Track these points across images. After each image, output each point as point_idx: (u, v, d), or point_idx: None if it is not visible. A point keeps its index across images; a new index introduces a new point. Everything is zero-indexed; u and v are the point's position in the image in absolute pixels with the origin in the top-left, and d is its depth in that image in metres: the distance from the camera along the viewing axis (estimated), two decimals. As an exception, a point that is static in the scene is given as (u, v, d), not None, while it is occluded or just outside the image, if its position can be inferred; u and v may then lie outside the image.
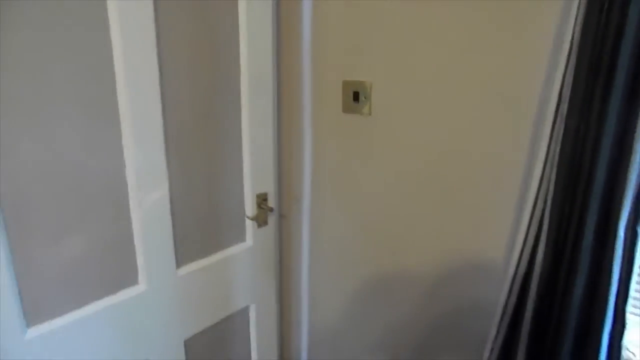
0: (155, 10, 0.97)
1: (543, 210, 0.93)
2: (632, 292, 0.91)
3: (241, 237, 1.35)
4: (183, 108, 1.10)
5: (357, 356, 1.49)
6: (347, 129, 1.30)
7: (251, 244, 1.37)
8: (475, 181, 1.12)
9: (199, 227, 1.21)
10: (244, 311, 1.42)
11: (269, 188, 1.38)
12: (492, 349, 1.06)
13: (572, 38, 0.84)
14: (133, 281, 1.08)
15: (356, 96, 1.26)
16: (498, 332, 1.05)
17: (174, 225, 1.13)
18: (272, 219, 1.42)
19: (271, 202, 1.39)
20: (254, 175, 1.31)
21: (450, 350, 1.27)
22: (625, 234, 0.85)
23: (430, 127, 1.16)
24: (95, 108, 0.92)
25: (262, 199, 1.35)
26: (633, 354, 1.04)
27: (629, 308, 0.91)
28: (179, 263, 1.18)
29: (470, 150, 1.10)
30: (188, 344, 1.26)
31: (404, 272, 1.30)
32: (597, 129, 0.82)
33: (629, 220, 0.85)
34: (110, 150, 0.97)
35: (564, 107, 0.88)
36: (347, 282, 1.43)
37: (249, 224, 1.35)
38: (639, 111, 0.78)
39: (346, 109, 1.29)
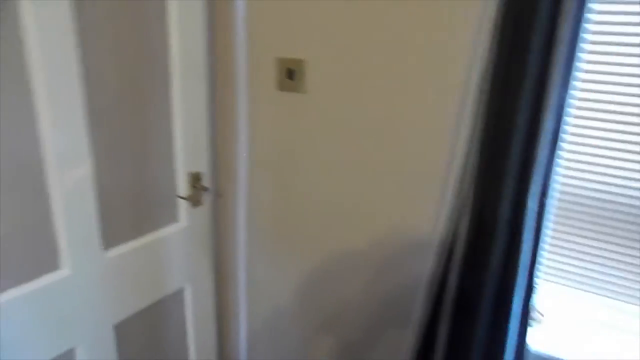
0: (71, -27, 0.90)
1: (467, 183, 0.99)
2: (541, 260, 1.00)
3: (174, 218, 1.31)
4: (107, 83, 1.03)
5: (301, 339, 1.51)
6: (282, 106, 1.29)
7: (185, 224, 1.34)
8: (408, 157, 1.16)
9: (128, 208, 1.16)
10: (179, 293, 1.39)
11: (203, 167, 1.34)
12: (421, 315, 1.12)
13: (494, 21, 0.89)
14: (54, 266, 1.02)
15: (291, 74, 1.25)
16: (426, 299, 1.11)
17: (99, 206, 1.07)
18: (208, 199, 1.39)
19: (206, 182, 1.36)
20: (187, 154, 1.28)
21: (398, 325, 1.31)
22: (537, 205, 0.93)
23: (363, 105, 1.18)
24: (2, 81, 0.84)
25: (195, 179, 1.32)
26: (541, 314, 1.15)
27: (538, 274, 1.00)
28: (108, 245, 1.13)
29: (402, 126, 1.14)
30: (119, 329, 1.21)
31: (345, 251, 1.33)
32: (513, 107, 0.88)
33: (541, 193, 0.93)
34: (22, 127, 0.89)
35: (486, 85, 0.93)
36: (287, 263, 1.45)
37: (183, 204, 1.31)
38: (548, 91, 0.85)
39: (281, 87, 1.28)
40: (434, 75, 1.06)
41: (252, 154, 1.39)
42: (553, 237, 1.12)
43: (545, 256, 1.14)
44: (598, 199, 1.07)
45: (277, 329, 1.55)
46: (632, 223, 1.05)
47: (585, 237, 1.11)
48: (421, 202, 1.16)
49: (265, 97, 1.31)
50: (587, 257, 1.11)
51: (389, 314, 1.31)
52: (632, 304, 1.11)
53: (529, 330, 1.04)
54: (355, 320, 1.37)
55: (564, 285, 1.16)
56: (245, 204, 1.45)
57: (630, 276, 1.09)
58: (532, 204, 0.92)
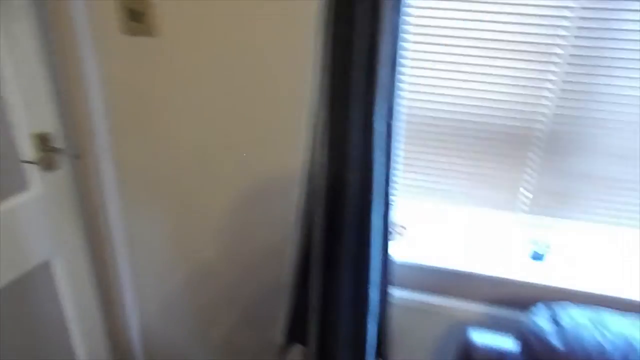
0: None
1: (322, 115, 1.02)
2: (396, 177, 1.09)
3: (23, 185, 1.17)
4: None
5: (194, 295, 1.50)
6: (134, 52, 1.19)
7: (40, 191, 1.21)
8: (271, 95, 1.15)
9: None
10: (44, 267, 1.28)
11: (51, 126, 1.21)
12: (297, 242, 1.17)
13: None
14: None
15: (136, 15, 1.15)
16: (300, 229, 1.16)
17: None
18: (65, 162, 1.27)
19: (58, 142, 1.23)
20: (26, 112, 1.13)
21: (281, 259, 1.35)
22: (385, 127, 1.00)
23: (220, 47, 1.13)
24: None
25: (43, 140, 1.19)
26: (403, 228, 1.28)
27: (394, 191, 1.09)
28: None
29: (261, 64, 1.13)
30: (-26, 314, 1.09)
31: (222, 197, 1.32)
32: (351, 33, 0.91)
33: (388, 116, 1.00)
34: None
35: (328, 16, 0.94)
36: (167, 217, 1.39)
37: (33, 170, 1.18)
38: (381, 16, 0.89)
39: (128, 30, 1.17)
40: (285, 10, 1.05)
41: (109, 106, 1.28)
42: (406, 157, 1.23)
43: (401, 175, 1.25)
44: (442, 118, 1.18)
45: (169, 289, 1.52)
46: (473, 137, 1.19)
47: (436, 153, 1.23)
48: (287, 139, 1.19)
49: (112, 43, 1.19)
50: (438, 172, 1.24)
51: (271, 253, 1.35)
52: (480, 207, 1.27)
53: (392, 243, 1.16)
54: (239, 262, 1.40)
55: (422, 199, 1.29)
56: (111, 162, 1.35)
57: (475, 184, 1.25)
58: (379, 127, 0.98)
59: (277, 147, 1.20)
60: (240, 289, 1.44)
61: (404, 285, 1.25)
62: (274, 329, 1.44)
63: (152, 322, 1.59)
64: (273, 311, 1.42)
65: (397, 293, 1.24)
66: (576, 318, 0.91)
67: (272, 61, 1.11)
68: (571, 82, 1.10)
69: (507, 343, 1.04)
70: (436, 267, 1.22)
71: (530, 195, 1.24)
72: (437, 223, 1.31)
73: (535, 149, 1.18)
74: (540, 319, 0.94)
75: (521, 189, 1.23)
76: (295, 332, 1.25)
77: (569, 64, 1.08)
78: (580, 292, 1.12)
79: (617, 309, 1.00)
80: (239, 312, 1.48)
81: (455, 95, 1.16)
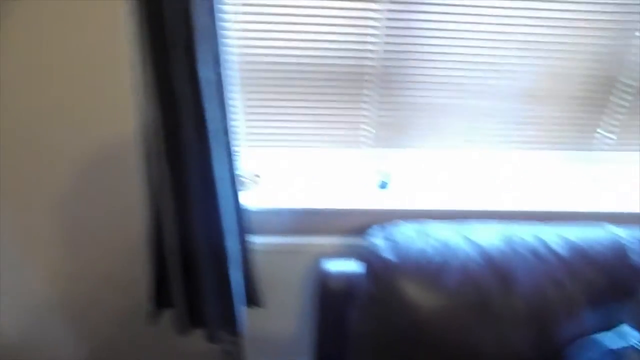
0: None
1: (147, 69, 0.96)
2: (235, 127, 1.08)
3: None
4: None
5: (54, 294, 1.38)
6: None
7: None
8: (95, 57, 1.05)
9: None
10: None
11: None
12: (149, 209, 1.13)
13: None
14: None
15: None
16: (149, 194, 1.11)
17: None
18: None
19: None
20: None
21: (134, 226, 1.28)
22: (213, 75, 0.97)
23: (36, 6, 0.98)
24: None
25: None
26: (257, 176, 1.30)
27: (235, 141, 1.08)
28: None
29: (80, 25, 1.02)
30: None
31: (63, 176, 1.20)
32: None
33: (215, 62, 0.97)
34: None
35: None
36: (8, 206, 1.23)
37: None
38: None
39: None
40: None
41: None
42: (248, 105, 1.23)
43: (245, 123, 1.25)
44: (278, 63, 1.19)
45: (25, 286, 1.37)
46: (311, 79, 1.22)
47: (277, 99, 1.24)
48: (121, 101, 1.10)
49: None
50: (283, 117, 1.27)
51: (128, 220, 1.29)
52: (327, 147, 1.34)
53: (244, 192, 1.17)
54: (95, 238, 1.31)
55: (271, 145, 1.31)
56: None
57: (320, 125, 1.30)
58: (207, 75, 0.95)
59: (110, 111, 1.11)
60: (103, 266, 1.35)
61: (264, 231, 1.28)
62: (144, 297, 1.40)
63: (13, 324, 1.44)
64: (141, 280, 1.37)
65: (258, 240, 1.27)
66: (405, 232, 1.03)
67: (90, 17, 1.00)
68: (394, 19, 1.17)
69: (355, 266, 1.15)
70: (293, 209, 1.27)
71: (372, 130, 1.32)
72: (289, 167, 1.35)
73: (370, 85, 1.26)
74: (376, 239, 1.04)
75: (362, 125, 1.31)
76: (162, 296, 1.22)
77: (391, 2, 1.15)
78: (415, 210, 1.26)
79: (445, 218, 1.15)
80: (107, 291, 1.40)
81: (287, 39, 1.16)
